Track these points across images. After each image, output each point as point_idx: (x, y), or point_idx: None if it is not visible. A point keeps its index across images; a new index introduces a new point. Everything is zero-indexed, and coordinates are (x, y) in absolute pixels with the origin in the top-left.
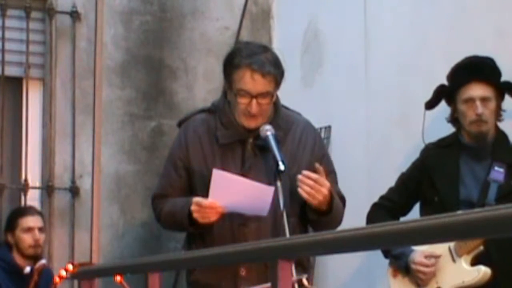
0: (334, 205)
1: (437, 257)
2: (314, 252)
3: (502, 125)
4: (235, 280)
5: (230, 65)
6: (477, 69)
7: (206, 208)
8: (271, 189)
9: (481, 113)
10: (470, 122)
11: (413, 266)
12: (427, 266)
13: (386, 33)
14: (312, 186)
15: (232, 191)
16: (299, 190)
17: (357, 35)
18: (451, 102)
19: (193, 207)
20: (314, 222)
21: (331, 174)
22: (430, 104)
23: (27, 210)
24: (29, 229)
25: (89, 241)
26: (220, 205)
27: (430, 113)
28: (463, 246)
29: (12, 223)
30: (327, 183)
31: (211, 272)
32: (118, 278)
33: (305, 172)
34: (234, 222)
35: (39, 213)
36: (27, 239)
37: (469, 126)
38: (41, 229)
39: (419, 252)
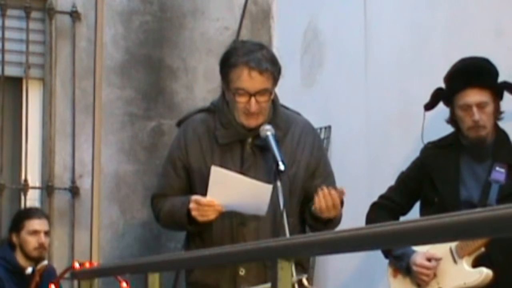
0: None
1: (438, 259)
2: (314, 252)
3: (503, 127)
4: (234, 280)
5: (227, 64)
6: (472, 74)
7: (204, 206)
8: (269, 187)
9: (478, 119)
10: (468, 128)
11: (415, 268)
12: (428, 268)
13: (386, 33)
14: (331, 203)
15: (230, 189)
16: (316, 202)
17: (357, 35)
18: (450, 104)
19: (191, 205)
20: (311, 226)
21: (329, 176)
22: (429, 106)
23: (34, 213)
24: (35, 232)
25: (89, 241)
26: (218, 203)
27: (429, 113)
28: (464, 248)
29: (18, 224)
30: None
31: (210, 272)
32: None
33: (326, 189)
34: (233, 222)
35: (46, 216)
36: (32, 242)
37: (467, 131)
38: (46, 233)
39: (420, 253)
